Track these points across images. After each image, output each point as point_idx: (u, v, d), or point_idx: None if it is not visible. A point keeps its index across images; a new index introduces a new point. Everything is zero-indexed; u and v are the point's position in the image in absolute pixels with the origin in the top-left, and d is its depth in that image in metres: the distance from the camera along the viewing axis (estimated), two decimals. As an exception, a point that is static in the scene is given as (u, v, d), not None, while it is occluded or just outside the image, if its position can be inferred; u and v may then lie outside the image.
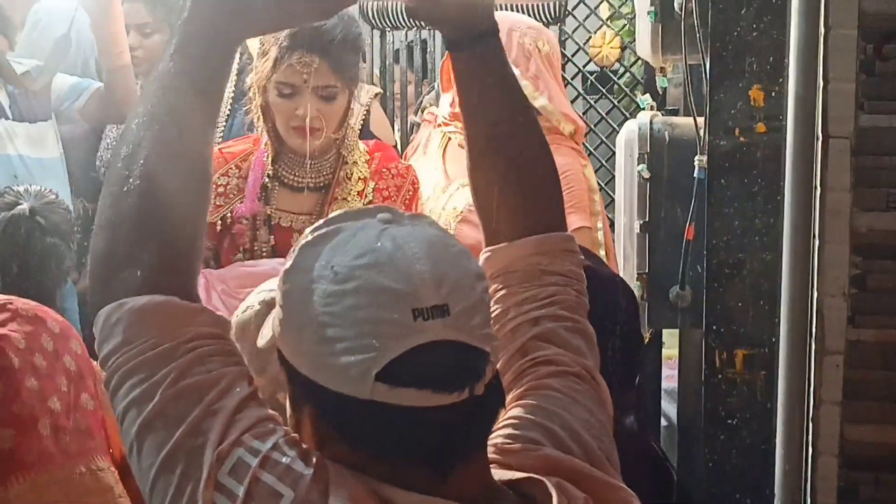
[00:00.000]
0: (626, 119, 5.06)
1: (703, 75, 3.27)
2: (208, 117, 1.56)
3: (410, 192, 3.16)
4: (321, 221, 1.50)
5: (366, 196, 3.12)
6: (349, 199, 3.10)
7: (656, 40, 3.56)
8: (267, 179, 3.05)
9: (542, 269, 1.71)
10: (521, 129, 1.74)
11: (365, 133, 3.68)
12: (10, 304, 2.07)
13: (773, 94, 3.17)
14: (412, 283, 1.39)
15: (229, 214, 3.08)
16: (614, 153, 4.60)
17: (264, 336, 1.58)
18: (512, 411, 1.59)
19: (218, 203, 3.08)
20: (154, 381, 1.44)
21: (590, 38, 5.11)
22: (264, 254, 3.05)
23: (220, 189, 3.09)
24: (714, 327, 3.23)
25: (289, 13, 1.60)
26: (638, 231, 3.55)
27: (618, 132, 5.05)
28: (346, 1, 1.65)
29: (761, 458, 3.19)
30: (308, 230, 1.49)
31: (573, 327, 1.69)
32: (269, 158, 3.09)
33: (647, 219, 3.54)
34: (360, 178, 3.14)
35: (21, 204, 2.89)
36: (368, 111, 3.77)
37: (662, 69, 3.74)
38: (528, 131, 1.75)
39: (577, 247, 1.78)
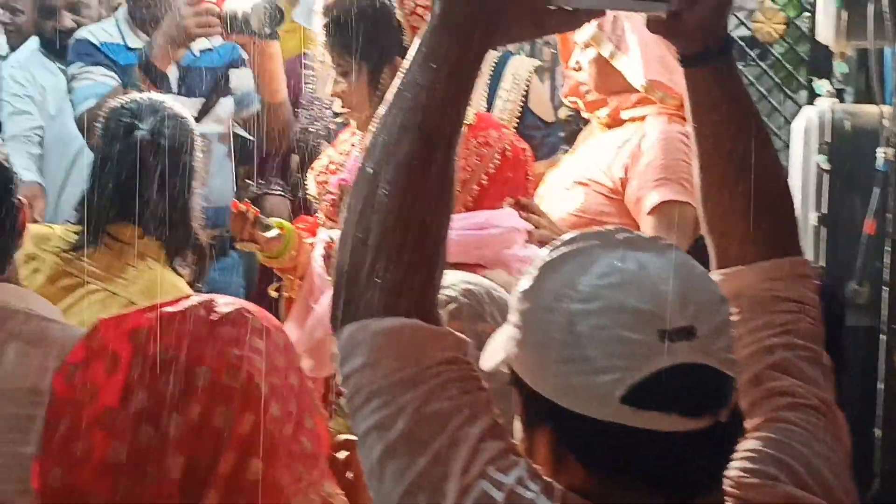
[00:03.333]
0: (787, 98, 4.95)
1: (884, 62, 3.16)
2: (454, 128, 1.53)
3: (497, 161, 3.05)
4: (559, 241, 1.48)
5: None
6: None
7: (840, 25, 3.43)
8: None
9: (775, 294, 1.64)
10: (755, 149, 1.68)
11: (525, 111, 3.60)
12: (233, 313, 1.87)
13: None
14: (658, 304, 1.37)
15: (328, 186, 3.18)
16: (776, 133, 4.46)
17: (491, 358, 1.55)
18: (748, 444, 1.54)
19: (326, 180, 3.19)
20: (397, 405, 1.44)
21: (752, 12, 4.95)
22: None
23: (332, 165, 3.22)
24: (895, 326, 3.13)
25: (538, 24, 1.57)
26: (815, 224, 3.44)
27: (778, 110, 4.98)
28: (594, 13, 1.61)
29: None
30: (545, 251, 1.48)
31: (809, 357, 1.63)
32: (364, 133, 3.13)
33: (824, 211, 3.42)
34: None
35: (140, 128, 2.83)
36: (528, 87, 3.66)
37: (842, 54, 3.60)
38: (762, 152, 1.69)
39: (812, 271, 1.72)
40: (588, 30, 3.25)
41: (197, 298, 1.88)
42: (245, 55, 4.03)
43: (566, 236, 1.49)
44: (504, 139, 3.08)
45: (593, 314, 1.38)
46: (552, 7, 1.55)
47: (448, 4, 1.52)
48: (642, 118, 3.36)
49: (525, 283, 1.46)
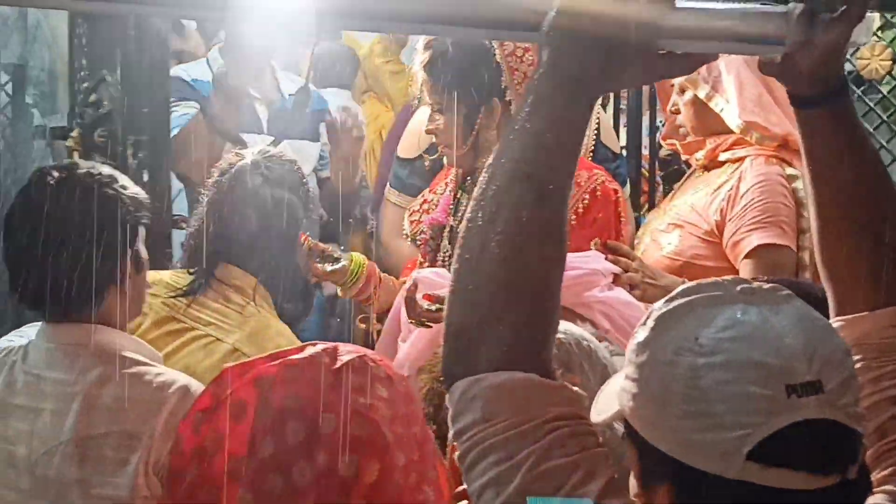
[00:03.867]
0: (894, 135, 4.80)
1: None
2: (566, 176, 1.51)
3: (586, 202, 3.01)
4: (675, 292, 1.45)
5: None
6: None
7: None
8: (459, 192, 3.07)
9: None
10: (875, 191, 1.65)
11: (596, 144, 3.60)
12: (356, 361, 1.88)
13: None
14: (784, 358, 1.34)
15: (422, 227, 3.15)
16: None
17: (602, 411, 1.53)
18: (876, 499, 1.51)
19: (419, 219, 3.17)
20: (514, 462, 1.42)
21: (858, 48, 4.85)
22: (446, 265, 3.02)
23: (426, 205, 3.20)
24: None
25: (649, 69, 1.55)
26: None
27: (885, 148, 4.82)
28: (706, 57, 1.60)
29: None
30: (660, 302, 1.44)
31: None
32: (460, 171, 3.09)
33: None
34: None
35: (244, 159, 2.87)
36: (598, 118, 3.66)
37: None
38: (881, 193, 1.66)
39: None
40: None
41: (321, 346, 1.89)
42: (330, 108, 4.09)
43: (681, 287, 1.46)
44: (594, 180, 3.05)
45: (717, 368, 1.35)
46: (663, 52, 1.53)
47: (557, 53, 1.50)
48: (740, 160, 3.33)
49: (641, 334, 1.43)
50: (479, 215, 1.49)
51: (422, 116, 3.46)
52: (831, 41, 1.57)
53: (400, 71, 4.13)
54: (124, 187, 2.39)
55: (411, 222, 3.23)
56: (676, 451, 1.36)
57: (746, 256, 3.21)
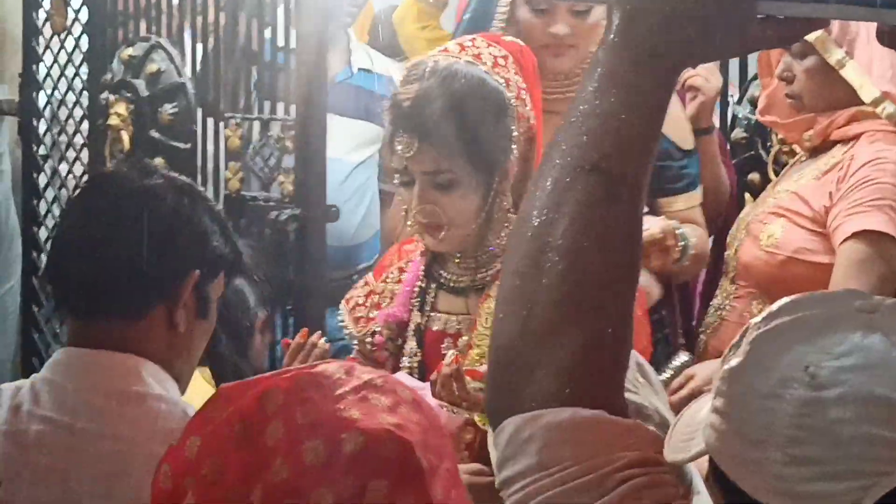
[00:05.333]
0: None
1: None
2: (642, 167, 1.34)
3: None
4: (777, 307, 1.28)
5: None
6: None
7: None
8: (422, 281, 2.53)
9: None
10: None
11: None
12: (377, 379, 1.65)
13: None
14: None
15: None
16: None
17: (678, 449, 1.36)
18: None
19: (368, 315, 2.59)
20: None
21: None
22: (414, 371, 2.52)
23: (374, 298, 2.59)
24: None
25: (745, 37, 1.35)
26: None
27: None
28: (814, 23, 1.39)
29: None
30: (759, 318, 1.29)
31: None
32: (423, 255, 2.57)
33: None
34: None
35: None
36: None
37: None
38: None
39: None
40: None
41: (335, 362, 1.65)
42: None
43: (783, 302, 1.29)
44: None
45: (832, 404, 1.21)
46: (761, 16, 1.33)
47: (630, 15, 1.32)
48: (855, 137, 3.10)
49: (734, 359, 1.27)
50: (534, 215, 1.32)
51: None
52: None
53: (439, 38, 3.83)
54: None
55: (355, 320, 2.61)
56: (779, 502, 1.22)
57: (843, 242, 2.98)
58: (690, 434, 1.34)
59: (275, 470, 1.57)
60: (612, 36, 1.33)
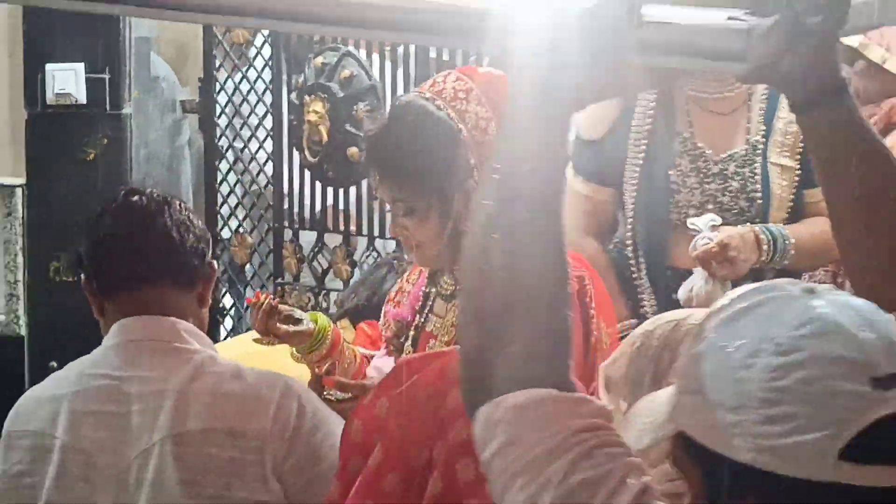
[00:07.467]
0: None
1: None
2: (555, 189, 1.48)
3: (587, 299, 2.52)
4: (732, 297, 1.41)
5: None
6: None
7: None
8: (427, 286, 2.66)
9: None
10: (883, 190, 1.63)
11: None
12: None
13: None
14: (864, 352, 1.30)
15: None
16: None
17: (644, 434, 1.49)
18: None
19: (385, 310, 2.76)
20: (541, 480, 1.38)
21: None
22: None
23: (400, 296, 2.75)
24: None
25: (624, 85, 1.55)
26: None
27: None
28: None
29: None
30: (716, 307, 1.41)
31: None
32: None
33: None
34: None
35: None
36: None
37: None
38: (892, 191, 1.63)
39: None
40: (853, 40, 3.37)
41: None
42: None
43: (736, 293, 1.42)
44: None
45: (797, 367, 1.30)
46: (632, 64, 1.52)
47: (528, 68, 1.48)
48: None
49: (699, 345, 1.38)
50: (479, 234, 1.47)
51: None
52: (814, 46, 1.54)
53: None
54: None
55: (383, 313, 2.76)
56: (762, 461, 1.29)
57: None
58: (651, 424, 1.45)
59: (456, 431, 1.81)
60: (515, 87, 1.49)
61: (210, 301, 2.42)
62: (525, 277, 1.44)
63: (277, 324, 2.67)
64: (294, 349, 2.74)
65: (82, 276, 2.39)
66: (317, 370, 2.71)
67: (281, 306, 2.73)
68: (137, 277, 2.32)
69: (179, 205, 2.39)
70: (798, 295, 1.35)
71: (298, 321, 2.72)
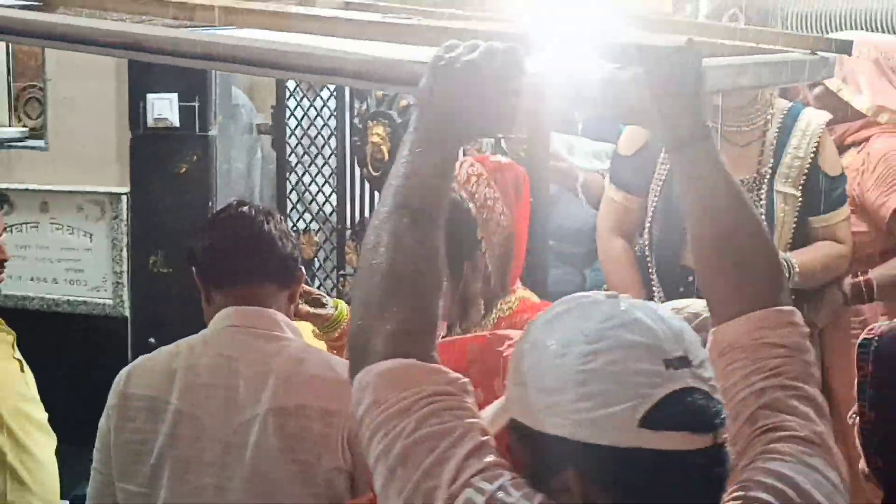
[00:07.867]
0: None
1: None
2: (436, 205, 1.65)
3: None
4: (551, 310, 1.54)
5: None
6: None
7: None
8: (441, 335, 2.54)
9: (766, 342, 1.69)
10: (737, 226, 1.74)
11: (812, 169, 3.45)
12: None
13: None
14: (658, 339, 1.44)
15: None
16: None
17: (489, 424, 1.58)
18: (742, 475, 1.59)
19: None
20: (395, 433, 1.50)
21: None
22: None
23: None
24: None
25: (509, 123, 1.68)
26: None
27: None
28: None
29: None
30: (541, 313, 1.55)
31: (800, 395, 1.66)
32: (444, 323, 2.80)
33: None
34: None
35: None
36: (819, 142, 3.55)
37: None
38: (745, 226, 1.75)
39: (802, 320, 1.75)
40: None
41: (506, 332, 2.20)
42: None
43: (556, 302, 1.55)
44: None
45: (603, 352, 1.43)
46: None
47: (422, 108, 1.64)
48: (866, 139, 3.70)
49: (524, 345, 1.51)
50: (371, 237, 1.63)
51: None
52: (674, 98, 1.68)
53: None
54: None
55: None
56: (577, 433, 1.41)
57: (891, 217, 3.58)
58: (493, 417, 1.55)
59: (498, 383, 2.02)
60: (412, 123, 1.64)
61: (297, 298, 2.67)
62: (403, 270, 1.58)
63: (300, 305, 2.91)
64: (315, 328, 3.02)
65: (194, 269, 2.62)
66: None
67: (308, 289, 2.98)
68: (246, 274, 2.54)
69: (280, 217, 2.65)
70: (603, 300, 1.51)
71: (324, 305, 3.03)
